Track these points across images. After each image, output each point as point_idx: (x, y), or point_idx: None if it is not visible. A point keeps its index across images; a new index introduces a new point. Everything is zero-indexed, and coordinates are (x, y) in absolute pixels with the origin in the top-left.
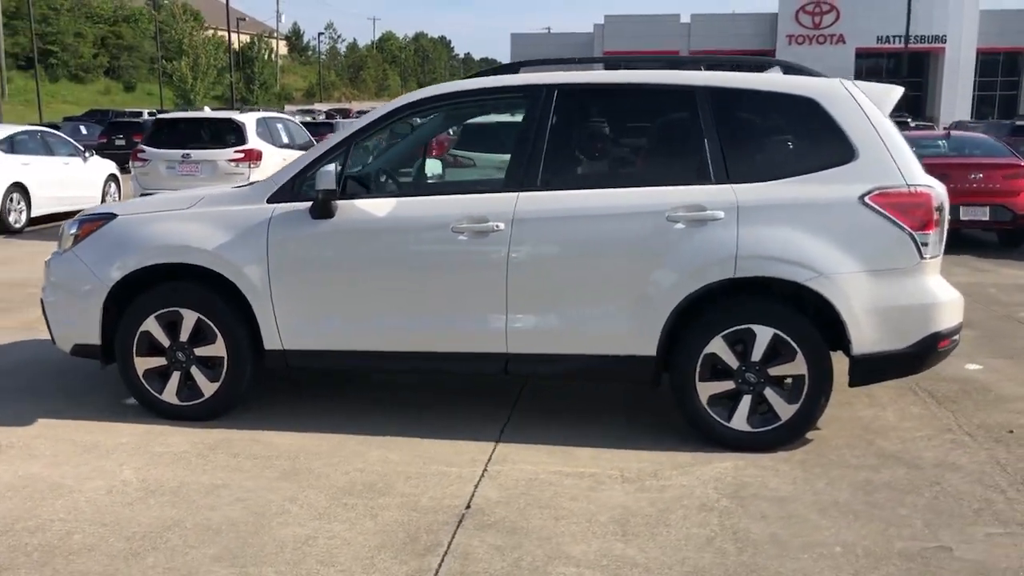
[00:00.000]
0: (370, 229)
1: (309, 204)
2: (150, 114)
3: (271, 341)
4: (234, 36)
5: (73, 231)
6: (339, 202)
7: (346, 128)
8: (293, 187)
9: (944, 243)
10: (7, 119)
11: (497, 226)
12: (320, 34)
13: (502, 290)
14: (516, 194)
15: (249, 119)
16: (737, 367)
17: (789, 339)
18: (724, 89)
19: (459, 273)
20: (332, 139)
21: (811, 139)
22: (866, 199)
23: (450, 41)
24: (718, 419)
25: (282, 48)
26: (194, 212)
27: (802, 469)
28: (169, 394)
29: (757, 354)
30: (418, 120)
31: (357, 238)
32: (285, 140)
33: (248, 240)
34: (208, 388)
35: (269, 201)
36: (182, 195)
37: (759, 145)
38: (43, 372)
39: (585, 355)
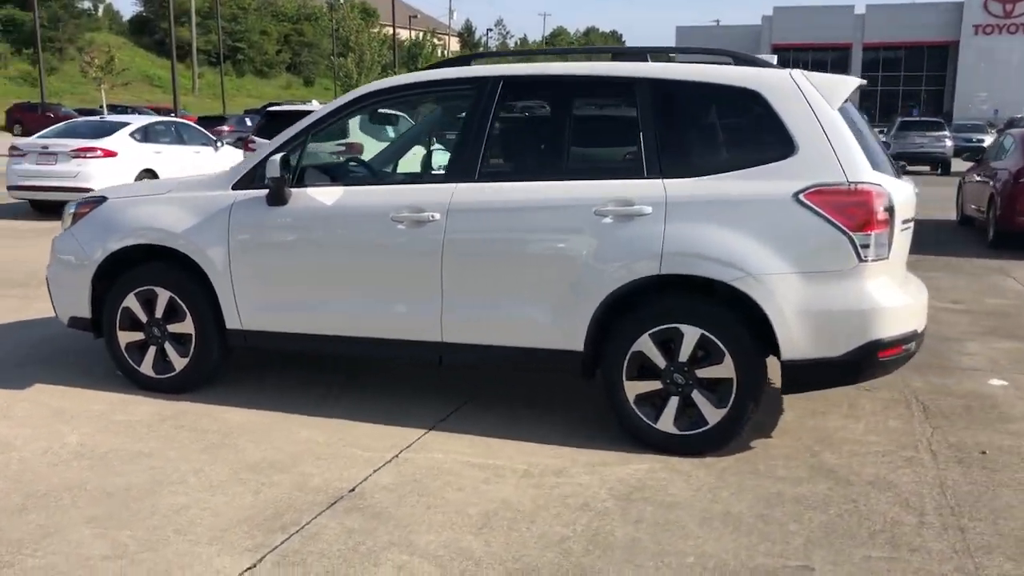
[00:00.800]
0: (317, 216)
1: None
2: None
3: (232, 321)
4: (405, 33)
5: (72, 211)
6: (293, 190)
7: (305, 119)
8: (254, 175)
9: (901, 245)
10: (196, 111)
11: (433, 216)
12: (489, 31)
13: (437, 280)
14: (454, 185)
15: None
16: (665, 367)
17: (717, 340)
18: (664, 81)
19: (398, 262)
20: (290, 130)
21: (751, 133)
22: (801, 196)
23: (621, 35)
24: (645, 419)
25: (454, 45)
26: (169, 197)
27: (717, 477)
28: (147, 367)
29: (684, 354)
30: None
31: (306, 225)
32: (392, 134)
33: (212, 224)
34: (179, 363)
35: (234, 188)
36: (166, 181)
37: (697, 139)
38: (70, 342)
39: (517, 347)
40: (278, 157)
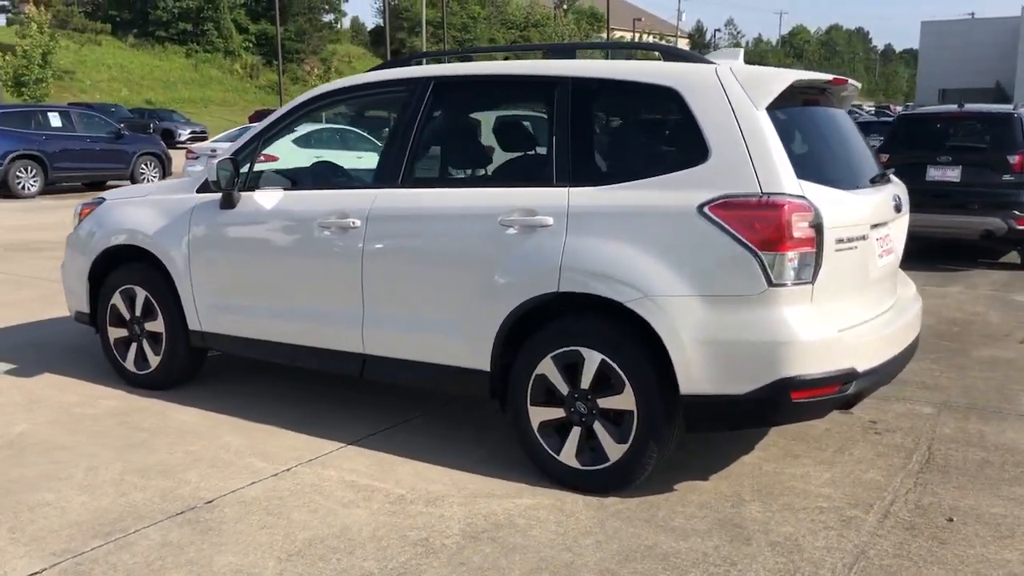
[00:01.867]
0: (257, 220)
1: None
2: None
3: (192, 321)
4: (629, 35)
5: (78, 211)
6: (243, 194)
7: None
8: None
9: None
10: None
11: (354, 223)
12: (717, 31)
13: (358, 289)
14: (377, 191)
15: None
16: (568, 393)
17: (617, 368)
18: (581, 79)
19: (324, 269)
20: (247, 135)
21: (666, 136)
22: (706, 209)
23: (867, 32)
24: (548, 450)
25: (683, 46)
26: (147, 199)
27: (600, 521)
28: (130, 362)
29: (586, 381)
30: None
31: (246, 229)
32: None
33: (176, 226)
34: (153, 360)
35: (198, 191)
36: (150, 185)
37: (610, 143)
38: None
39: (430, 364)
40: (219, 161)
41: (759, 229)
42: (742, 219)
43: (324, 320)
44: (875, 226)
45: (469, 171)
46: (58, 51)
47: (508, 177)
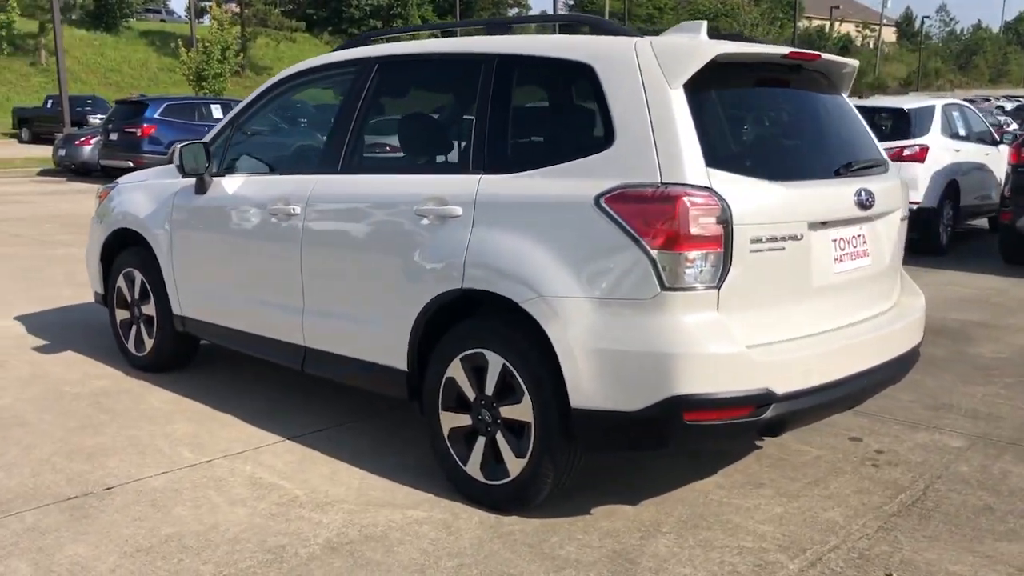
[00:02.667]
0: (220, 206)
1: None
2: None
3: (175, 305)
4: (831, 25)
5: (98, 195)
6: (214, 179)
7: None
8: None
9: (736, 272)
10: None
11: (294, 210)
12: (926, 18)
13: (299, 278)
14: (317, 177)
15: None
16: (475, 399)
17: (516, 374)
18: (505, 56)
19: (272, 256)
20: (222, 120)
21: (577, 117)
22: (602, 201)
23: None
24: (456, 459)
25: (891, 35)
26: (145, 184)
27: (477, 543)
28: (131, 344)
29: (490, 387)
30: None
31: (212, 214)
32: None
33: (161, 210)
34: (148, 343)
35: (184, 176)
36: (154, 169)
37: (524, 125)
38: None
39: (359, 360)
40: (182, 146)
41: (653, 224)
42: (636, 213)
43: (273, 309)
44: (825, 224)
45: (401, 157)
46: (255, 48)
47: (432, 164)
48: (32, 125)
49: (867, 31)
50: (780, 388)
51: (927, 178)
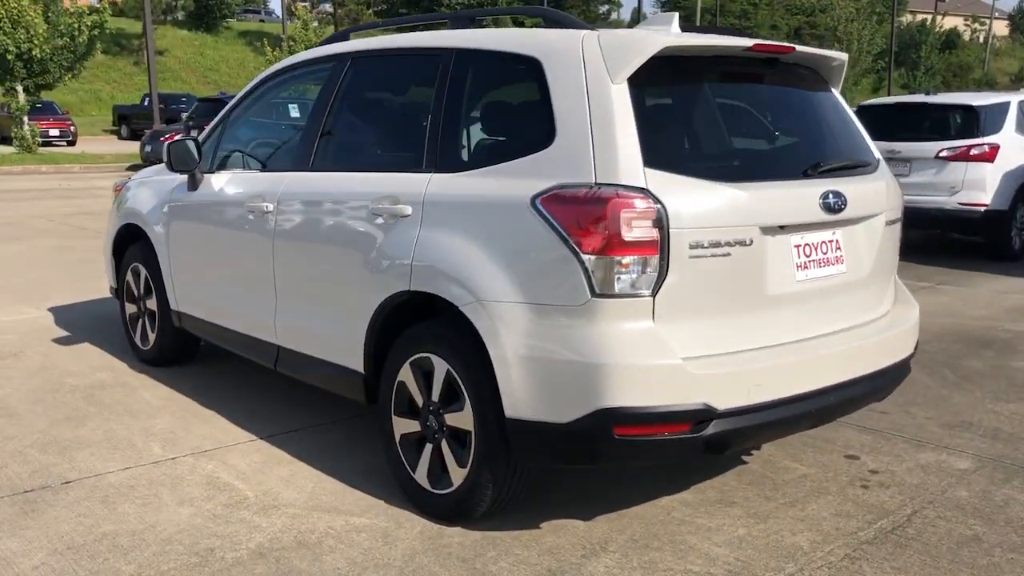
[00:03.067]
0: (207, 202)
1: None
2: None
3: (172, 300)
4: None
5: (114, 190)
6: (205, 175)
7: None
8: None
9: (674, 279)
10: None
11: (267, 207)
12: None
13: (271, 275)
14: (288, 174)
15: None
16: (423, 405)
17: (459, 380)
18: (460, 51)
19: (249, 253)
20: (216, 117)
21: (524, 114)
22: (538, 202)
23: None
24: (407, 465)
25: (1003, 29)
26: (150, 180)
27: (409, 554)
28: (137, 338)
29: (436, 393)
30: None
31: (200, 210)
32: None
33: (159, 206)
34: (151, 337)
35: (172, 172)
36: (161, 166)
37: (475, 122)
38: None
39: (322, 360)
40: (170, 143)
41: (585, 227)
42: (569, 215)
43: (250, 306)
44: (784, 228)
45: (366, 153)
46: None
47: (391, 161)
48: (130, 122)
49: (976, 25)
50: (721, 403)
51: (996, 179)
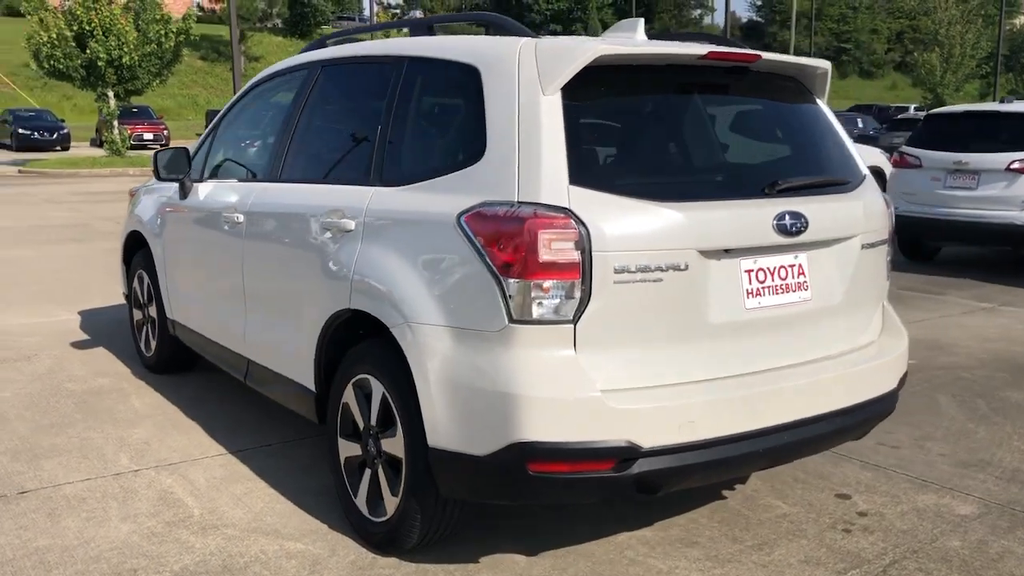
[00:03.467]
0: (192, 212)
1: None
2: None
3: (167, 308)
4: None
5: (129, 193)
6: (194, 184)
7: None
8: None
9: (598, 305)
10: None
11: (238, 218)
12: None
13: (241, 287)
14: (256, 185)
15: None
16: (364, 428)
17: (393, 405)
18: (410, 59)
19: (223, 263)
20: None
21: (462, 125)
22: (462, 220)
23: None
24: (350, 489)
25: None
26: (154, 187)
27: None
28: (142, 344)
29: (374, 416)
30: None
31: (187, 219)
32: None
33: (156, 215)
34: (152, 344)
35: (160, 180)
36: None
37: (418, 133)
38: None
39: (283, 376)
40: (158, 151)
41: (503, 248)
42: (489, 234)
43: (225, 317)
44: (729, 252)
45: (323, 165)
46: None
47: (345, 173)
48: None
49: None
50: (647, 441)
51: None
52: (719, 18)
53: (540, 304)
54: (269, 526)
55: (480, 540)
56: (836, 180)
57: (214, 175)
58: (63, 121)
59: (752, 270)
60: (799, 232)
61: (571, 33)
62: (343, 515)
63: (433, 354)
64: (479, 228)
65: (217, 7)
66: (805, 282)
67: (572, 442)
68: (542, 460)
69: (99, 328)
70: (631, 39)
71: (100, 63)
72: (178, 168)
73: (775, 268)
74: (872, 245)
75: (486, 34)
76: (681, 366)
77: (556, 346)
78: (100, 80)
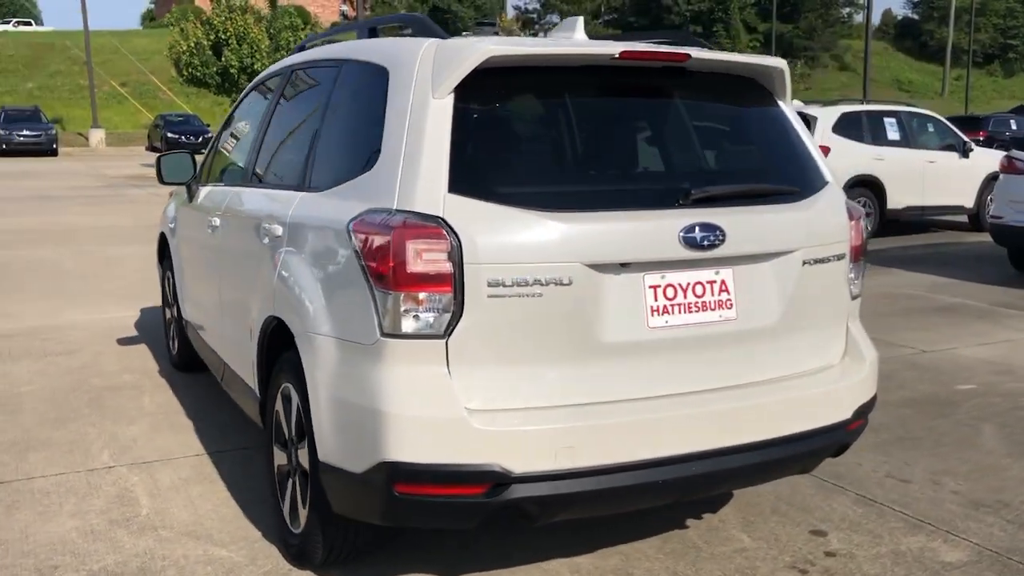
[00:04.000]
0: (191, 215)
1: None
2: None
3: (183, 309)
4: None
5: (171, 195)
6: (199, 187)
7: None
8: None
9: (470, 320)
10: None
11: (214, 222)
12: None
13: (217, 289)
14: (230, 189)
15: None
16: (288, 437)
17: (304, 415)
18: (344, 62)
19: (208, 267)
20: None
21: (367, 129)
22: (351, 227)
23: None
24: (278, 498)
25: None
26: (179, 190)
27: None
28: (170, 342)
29: (293, 425)
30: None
31: (188, 222)
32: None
33: (175, 217)
34: (175, 343)
35: (162, 183)
36: None
37: (340, 136)
38: None
39: (240, 380)
40: (161, 155)
41: (376, 258)
42: (366, 243)
43: (211, 320)
44: (627, 267)
45: (275, 169)
46: None
47: (285, 178)
48: None
49: None
50: (520, 466)
51: None
52: (874, 16)
53: (411, 318)
54: (205, 530)
55: (402, 561)
56: (775, 189)
57: (212, 179)
58: (208, 125)
59: (658, 286)
60: (713, 246)
61: (712, 34)
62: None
63: (322, 365)
64: (361, 236)
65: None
66: (729, 300)
67: (438, 464)
68: (408, 482)
69: (147, 327)
70: (569, 39)
71: (233, 70)
72: (181, 172)
73: (689, 284)
74: (821, 261)
75: (412, 35)
76: (565, 388)
77: (427, 362)
78: (234, 87)
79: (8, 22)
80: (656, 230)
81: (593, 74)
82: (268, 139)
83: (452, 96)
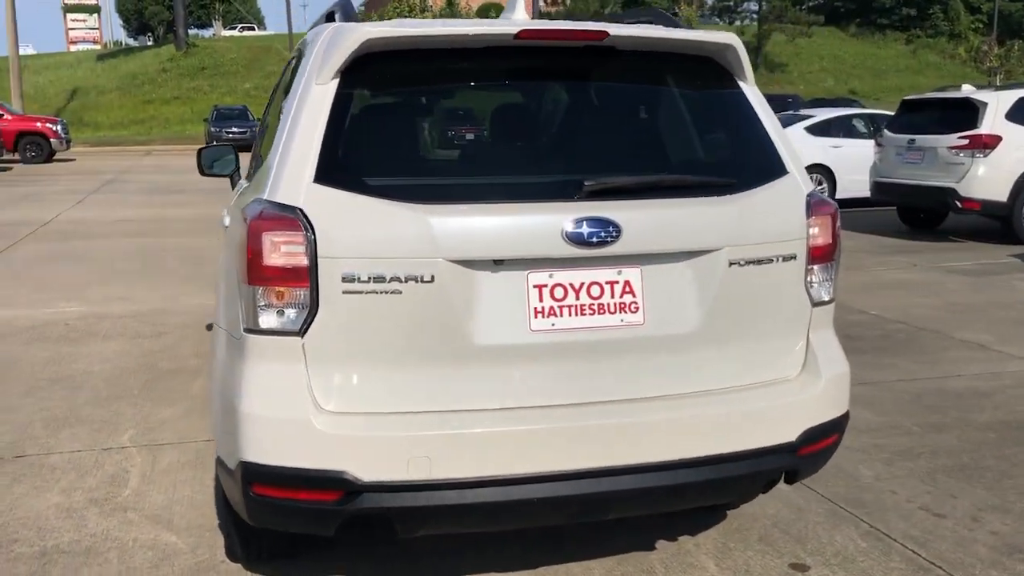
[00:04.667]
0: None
1: None
2: None
3: None
4: None
5: None
6: (239, 181)
7: None
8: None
9: (325, 317)
10: None
11: (226, 218)
12: None
13: (223, 285)
14: (242, 182)
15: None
16: None
17: None
18: (298, 49)
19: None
20: None
21: (284, 116)
22: (245, 218)
23: None
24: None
25: None
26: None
27: None
28: None
29: None
30: None
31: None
32: None
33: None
34: None
35: (202, 174)
36: None
37: (271, 124)
38: None
39: None
40: (202, 147)
41: (243, 250)
42: (240, 235)
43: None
44: (501, 263)
45: (255, 162)
46: (769, 44)
47: (253, 170)
48: None
49: None
50: (369, 474)
51: None
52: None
53: (269, 312)
54: (167, 517)
55: (342, 559)
56: (696, 181)
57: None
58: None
59: (544, 285)
60: (604, 243)
61: (929, 16)
62: None
63: (214, 358)
64: (247, 228)
65: (553, 10)
66: (635, 303)
67: (286, 467)
68: (263, 484)
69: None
70: (508, 18)
71: None
72: (222, 165)
73: (583, 285)
74: (758, 262)
75: (328, 20)
76: (430, 392)
77: (283, 360)
78: None
79: (235, 27)
80: (537, 225)
81: (497, 57)
82: (261, 130)
83: (336, 82)
